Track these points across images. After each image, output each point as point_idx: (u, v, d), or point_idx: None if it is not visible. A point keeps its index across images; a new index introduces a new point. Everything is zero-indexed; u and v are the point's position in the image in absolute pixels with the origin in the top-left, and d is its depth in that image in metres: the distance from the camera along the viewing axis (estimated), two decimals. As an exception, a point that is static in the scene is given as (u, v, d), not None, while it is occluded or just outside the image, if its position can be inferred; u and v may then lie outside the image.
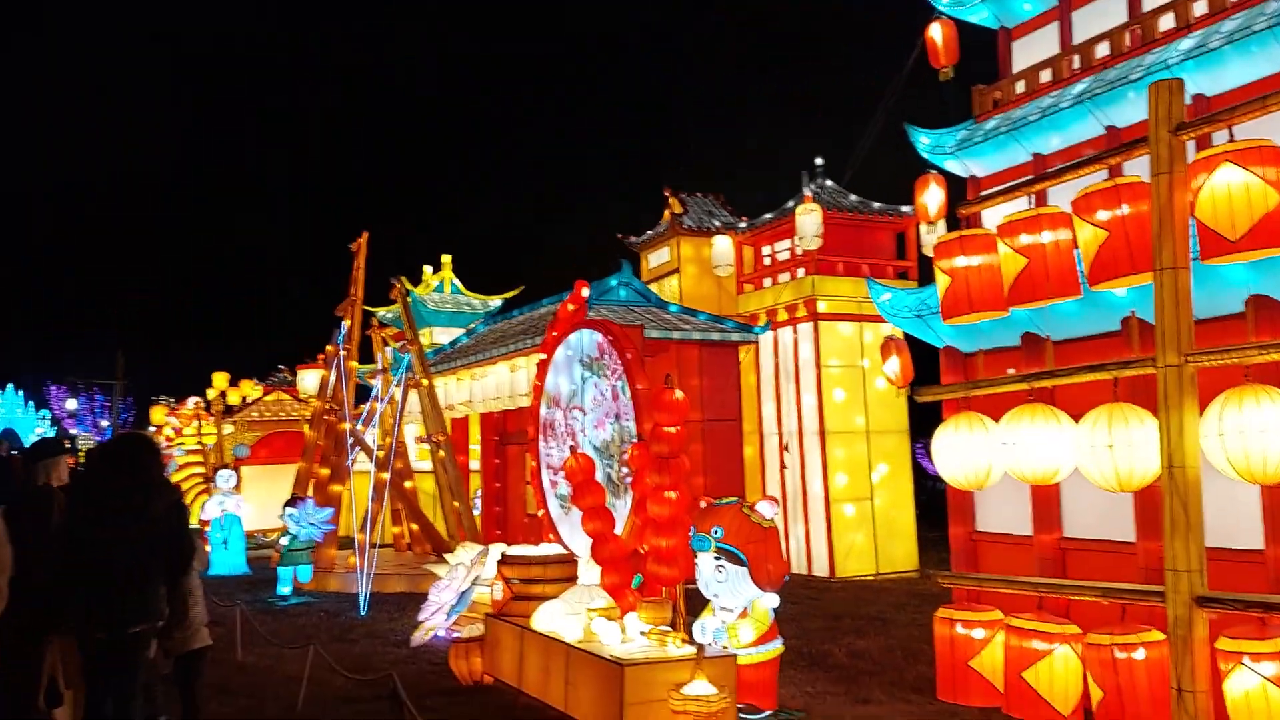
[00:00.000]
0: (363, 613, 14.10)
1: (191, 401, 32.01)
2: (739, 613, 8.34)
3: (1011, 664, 5.97)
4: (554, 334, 14.11)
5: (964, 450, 5.99)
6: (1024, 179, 7.05)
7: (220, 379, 31.40)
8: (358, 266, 18.28)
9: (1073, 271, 5.68)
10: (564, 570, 9.30)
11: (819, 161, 19.36)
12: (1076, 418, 5.79)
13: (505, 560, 9.43)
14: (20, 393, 73.33)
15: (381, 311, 27.83)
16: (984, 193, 9.87)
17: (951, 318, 6.10)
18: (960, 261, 6.07)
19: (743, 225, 19.99)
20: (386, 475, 16.64)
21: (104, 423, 63.16)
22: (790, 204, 19.03)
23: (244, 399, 30.77)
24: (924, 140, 10.68)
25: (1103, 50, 9.23)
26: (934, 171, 10.46)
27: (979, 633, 6.24)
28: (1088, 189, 5.33)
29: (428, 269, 30.28)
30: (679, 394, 9.32)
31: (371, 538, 16.53)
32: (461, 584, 11.95)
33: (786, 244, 19.21)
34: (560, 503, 14.12)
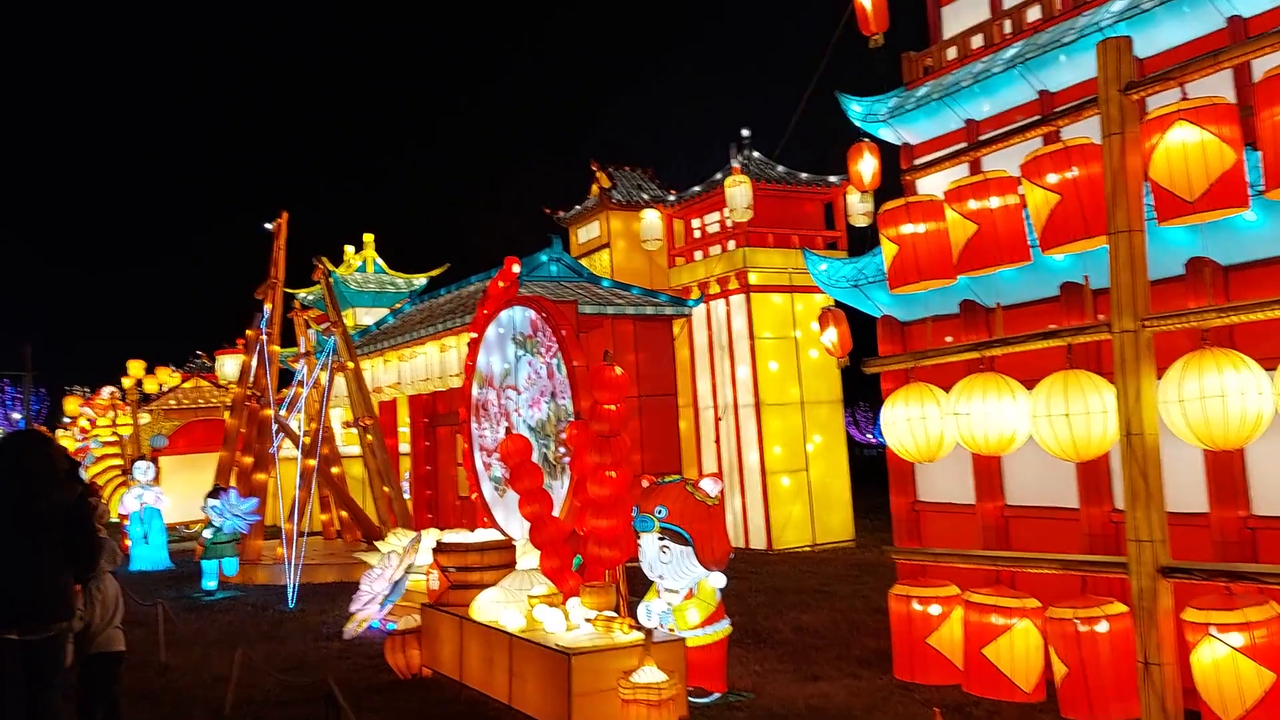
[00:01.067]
0: (292, 605, 13.63)
1: (106, 391, 30.74)
2: (685, 594, 8.17)
3: (971, 640, 5.88)
4: (485, 312, 13.71)
5: (915, 422, 5.86)
6: (964, 144, 6.93)
7: (136, 367, 30.16)
8: (277, 247, 17.58)
9: (1022, 237, 5.56)
10: (502, 556, 9.01)
11: (745, 133, 19.18)
12: (1021, 385, 5.70)
13: (441, 548, 9.11)
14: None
15: (303, 294, 27.00)
16: (924, 158, 9.77)
17: (899, 286, 5.94)
18: (907, 229, 5.90)
19: (672, 198, 19.76)
20: (314, 462, 16.09)
21: (15, 415, 60.55)
22: (719, 176, 18.83)
23: (161, 387, 29.63)
24: (856, 108, 10.53)
25: (1034, 14, 9.16)
26: (867, 140, 10.31)
27: (935, 609, 6.14)
28: (1037, 152, 5.20)
29: (349, 248, 29.46)
30: (618, 370, 9.06)
31: (299, 527, 16.01)
32: (395, 573, 11.57)
33: (716, 216, 19.04)
34: (495, 485, 13.79)
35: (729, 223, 18.58)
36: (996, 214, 5.48)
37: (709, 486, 8.21)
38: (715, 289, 18.38)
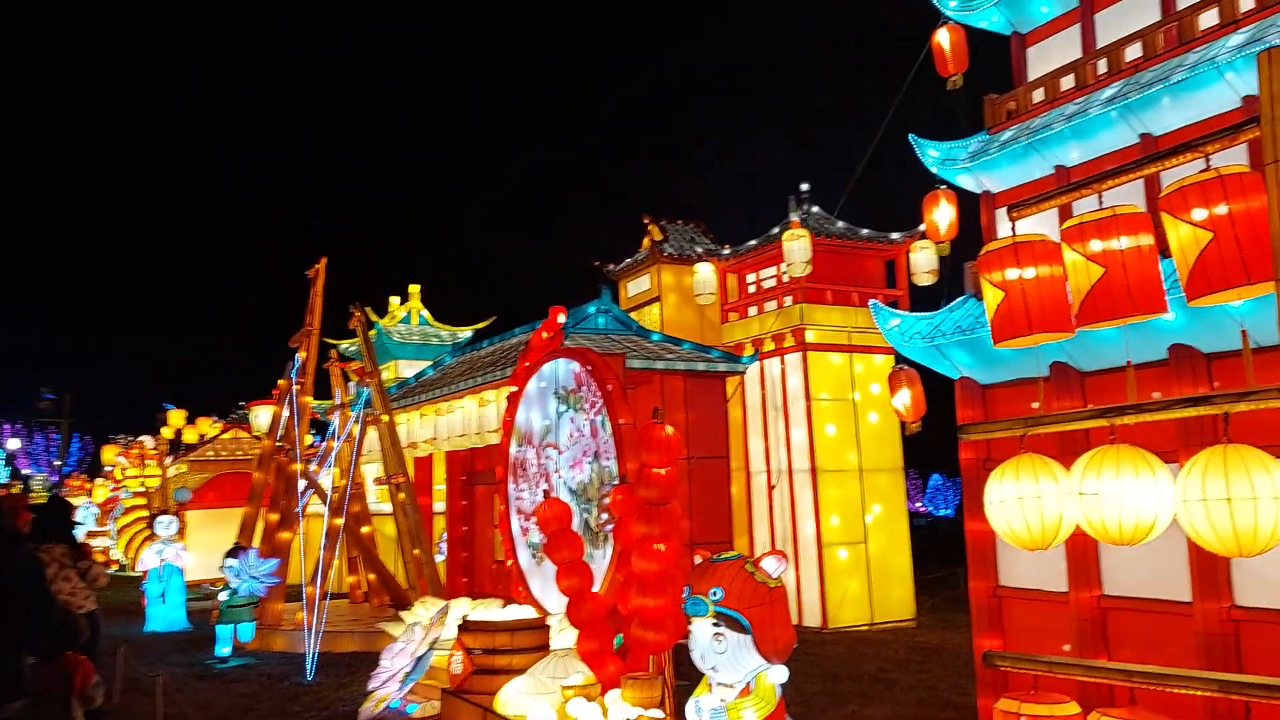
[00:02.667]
0: (309, 677, 12.73)
1: (149, 440, 30.49)
2: (740, 689, 7.15)
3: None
4: (526, 364, 12.94)
5: (1028, 501, 4.89)
6: (1074, 182, 6.04)
7: (176, 416, 29.90)
8: (315, 294, 17.05)
9: (1157, 283, 4.64)
10: (535, 638, 8.08)
11: (805, 187, 18.42)
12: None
13: (466, 627, 8.20)
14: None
15: (344, 344, 26.53)
16: (1017, 203, 8.84)
17: (1005, 340, 5.02)
18: (1014, 274, 5.00)
19: (726, 252, 18.99)
20: (340, 520, 15.32)
21: (57, 462, 60.90)
22: (776, 230, 18.06)
23: (201, 437, 29.27)
24: (933, 153, 9.68)
25: (1133, 53, 8.28)
26: (944, 187, 9.47)
27: (1054, 732, 5.09)
28: (1183, 182, 4.31)
29: (394, 299, 29.06)
30: (669, 430, 8.20)
31: (322, 590, 15.19)
32: (418, 647, 10.64)
33: (772, 271, 18.22)
34: (532, 552, 12.87)
35: (785, 278, 17.75)
36: (1126, 256, 4.58)
37: (771, 566, 7.19)
38: (770, 346, 17.48)
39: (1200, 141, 4.53)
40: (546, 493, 11.46)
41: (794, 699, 10.21)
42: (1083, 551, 8.23)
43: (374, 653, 14.40)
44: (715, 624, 7.11)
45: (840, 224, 18.01)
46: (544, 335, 12.62)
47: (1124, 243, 4.61)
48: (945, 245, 9.39)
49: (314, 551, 15.00)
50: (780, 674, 7.19)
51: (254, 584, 14.39)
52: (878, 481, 17.32)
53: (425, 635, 10.65)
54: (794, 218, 17.14)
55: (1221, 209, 4.22)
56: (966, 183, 9.60)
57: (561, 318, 12.48)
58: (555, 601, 12.28)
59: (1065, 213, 8.66)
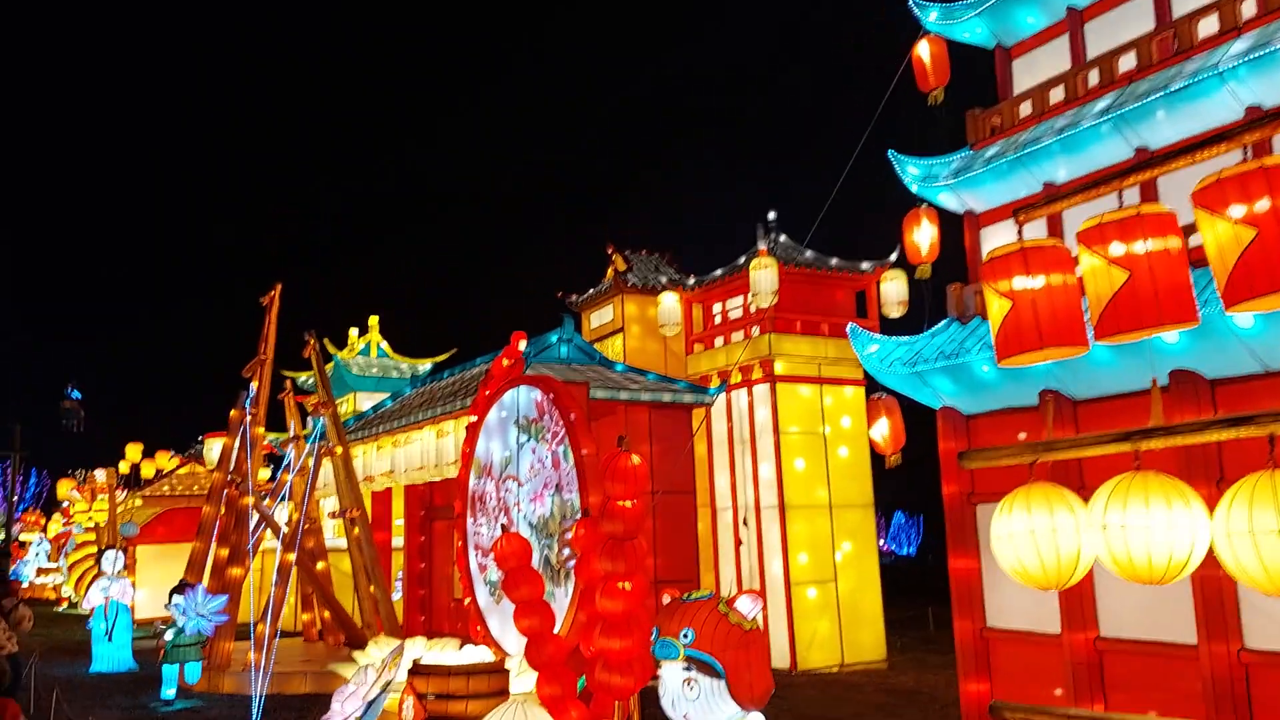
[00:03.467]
0: (255, 722, 11.93)
1: (101, 474, 29.44)
2: (714, 740, 6.58)
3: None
4: (486, 393, 12.40)
5: (1041, 535, 4.42)
6: (1066, 193, 5.63)
7: (133, 450, 28.92)
8: (269, 322, 16.38)
9: (1187, 290, 4.21)
10: (492, 683, 7.47)
11: (772, 215, 18.07)
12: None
13: (417, 670, 7.57)
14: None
15: (301, 376, 25.75)
16: (999, 224, 8.49)
17: (1011, 356, 4.57)
18: (1022, 283, 4.55)
19: (691, 282, 18.58)
20: (294, 556, 14.57)
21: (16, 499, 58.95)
22: (742, 260, 17.71)
23: (158, 471, 28.28)
24: (913, 170, 9.35)
25: (1127, 63, 8.01)
26: (924, 206, 9.10)
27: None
28: (1222, 173, 3.90)
29: (353, 331, 28.35)
30: (635, 459, 7.66)
31: (273, 628, 14.40)
32: (369, 690, 9.95)
33: (739, 301, 17.83)
34: (490, 590, 12.24)
35: (752, 308, 17.36)
36: (1153, 259, 4.16)
37: (745, 606, 6.64)
38: (737, 378, 17.04)
39: (1239, 130, 4.13)
40: (505, 527, 10.88)
41: (768, 747, 9.62)
42: (1078, 590, 7.79)
43: (327, 694, 13.60)
44: (687, 668, 6.54)
45: (809, 253, 17.68)
46: (505, 363, 12.09)
47: (1150, 245, 4.20)
48: (926, 267, 9.00)
49: (268, 588, 14.21)
50: (757, 720, 6.65)
51: (201, 622, 13.55)
52: (847, 518, 16.86)
53: (378, 677, 9.95)
54: (761, 246, 16.75)
55: (1262, 205, 3.81)
56: (948, 201, 9.25)
57: (523, 344, 11.97)
58: (514, 642, 11.64)
59: (1054, 227, 8.34)
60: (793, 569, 15.92)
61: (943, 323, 8.89)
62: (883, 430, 9.13)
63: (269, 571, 17.63)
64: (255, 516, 15.68)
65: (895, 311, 16.99)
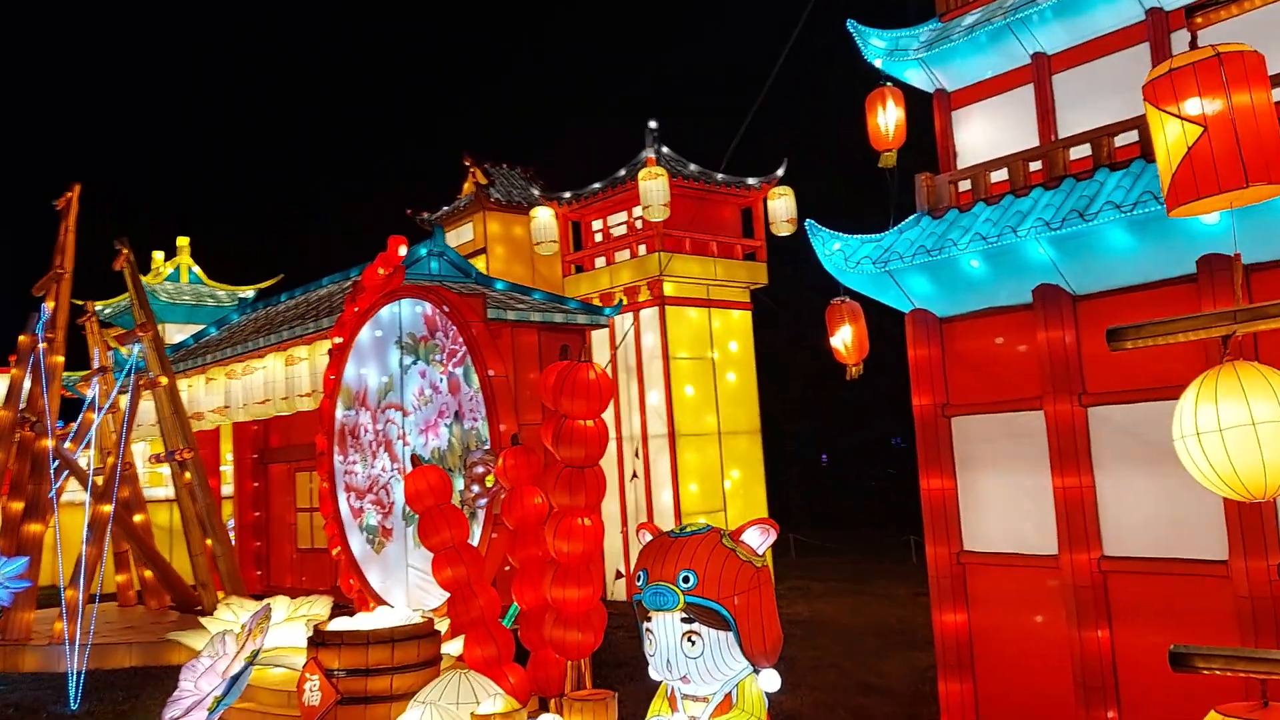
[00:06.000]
0: (73, 705, 9.89)
1: None
2: (718, 703, 5.37)
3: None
4: (356, 309, 10.55)
5: (1244, 432, 3.34)
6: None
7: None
8: (65, 229, 13.69)
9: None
10: (423, 650, 5.97)
11: (653, 124, 16.69)
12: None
13: (322, 639, 5.96)
14: None
15: (101, 305, 22.51)
16: (972, 105, 7.39)
17: (1202, 200, 3.46)
18: (1213, 104, 3.44)
19: (567, 195, 17.00)
20: (109, 508, 12.30)
21: None
22: (623, 172, 16.33)
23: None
24: (877, 43, 8.20)
25: (1138, -94, 7.05)
26: (889, 83, 7.99)
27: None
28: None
29: (158, 254, 25.16)
30: (595, 370, 6.30)
31: (87, 593, 12.16)
32: (231, 663, 8.19)
33: (622, 218, 16.48)
34: (368, 536, 10.56)
35: (637, 224, 16.08)
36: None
37: (754, 539, 5.39)
38: (621, 300, 15.73)
39: None
40: (415, 460, 9.30)
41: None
42: (1077, 507, 7.04)
43: (157, 668, 11.60)
44: (687, 619, 5.23)
45: (694, 166, 16.50)
46: (381, 272, 10.29)
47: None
48: (892, 154, 7.93)
49: (73, 547, 11.93)
50: (771, 680, 5.42)
51: (-4, 592, 11.17)
52: (736, 445, 16.03)
53: (241, 646, 8.20)
54: (649, 154, 15.44)
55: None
56: (916, 78, 8.18)
57: (403, 249, 10.20)
58: (400, 595, 10.07)
59: (1045, 107, 7.40)
60: (683, 499, 14.94)
61: (911, 218, 7.87)
62: (845, 338, 8.07)
63: (72, 528, 15.12)
64: (56, 463, 13.21)
65: (784, 230, 16.10)
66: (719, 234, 16.25)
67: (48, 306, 13.43)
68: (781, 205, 15.95)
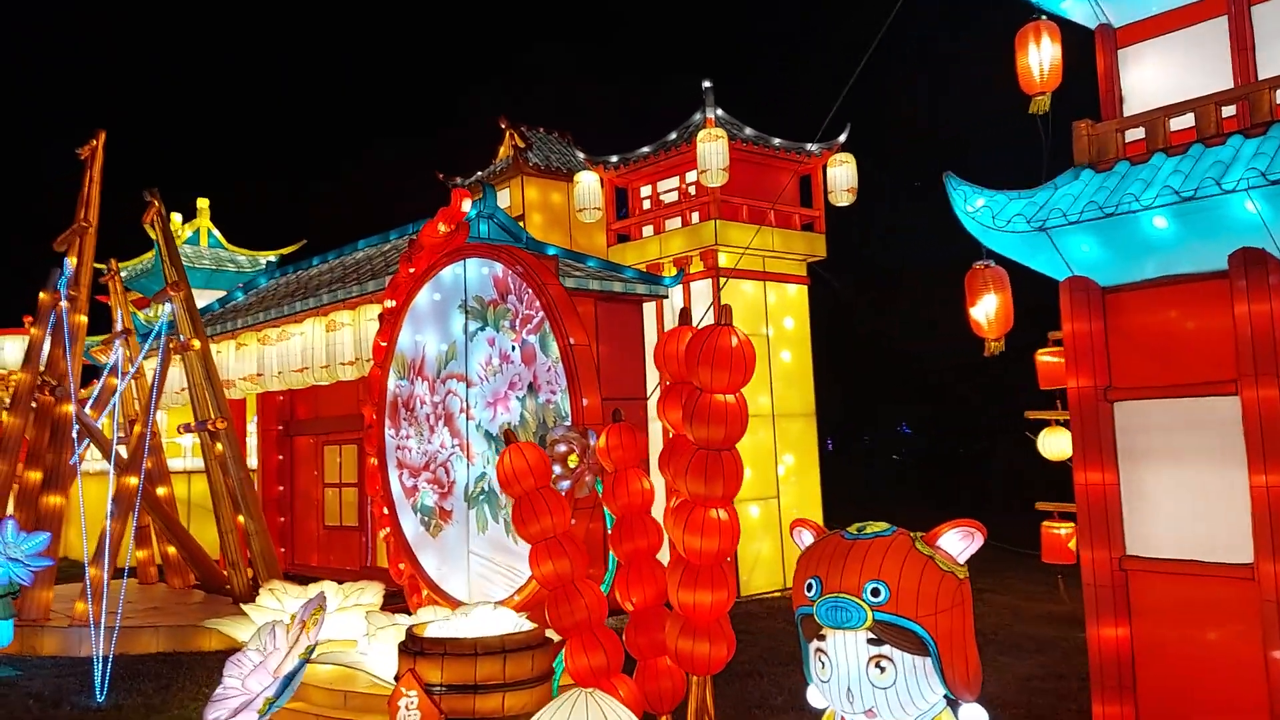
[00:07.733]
0: (100, 698, 9.03)
1: None
2: (905, 742, 4.45)
3: None
4: (412, 270, 9.60)
5: None
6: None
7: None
8: (90, 181, 12.74)
9: None
10: (538, 662, 5.07)
11: (707, 84, 15.65)
12: None
13: (420, 649, 5.05)
14: None
15: (125, 266, 21.56)
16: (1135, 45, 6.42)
17: None
18: None
19: (614, 160, 15.99)
20: (136, 480, 11.41)
21: None
22: (674, 135, 15.33)
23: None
24: (1030, -29, 7.21)
25: None
26: (1043, 17, 7.02)
27: None
28: None
29: (177, 216, 24.14)
30: (737, 338, 5.40)
31: (112, 572, 11.29)
32: (285, 660, 7.30)
33: (673, 184, 15.51)
34: (422, 518, 9.65)
35: (690, 190, 15.11)
36: None
37: (953, 544, 4.42)
38: (672, 272, 14.77)
39: None
40: (508, 434, 8.42)
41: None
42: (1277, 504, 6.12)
43: (187, 654, 10.75)
44: (876, 641, 4.28)
45: (749, 130, 15.50)
46: (441, 229, 9.34)
47: None
48: (1045, 98, 6.97)
49: (96, 521, 11.04)
50: (977, 716, 4.50)
51: (14, 568, 10.20)
52: (790, 429, 15.13)
53: (295, 641, 7.31)
54: (708, 115, 14.47)
55: None
56: (1076, 13, 7.21)
57: (467, 204, 9.25)
58: (460, 585, 9.18)
59: (1241, 43, 6.43)
60: (737, 486, 14.03)
61: (1066, 173, 6.91)
62: (988, 309, 7.14)
63: (92, 500, 14.26)
64: (77, 430, 12.32)
65: (844, 200, 15.16)
66: (777, 202, 15.27)
67: (70, 263, 12.49)
68: (842, 173, 15.01)
